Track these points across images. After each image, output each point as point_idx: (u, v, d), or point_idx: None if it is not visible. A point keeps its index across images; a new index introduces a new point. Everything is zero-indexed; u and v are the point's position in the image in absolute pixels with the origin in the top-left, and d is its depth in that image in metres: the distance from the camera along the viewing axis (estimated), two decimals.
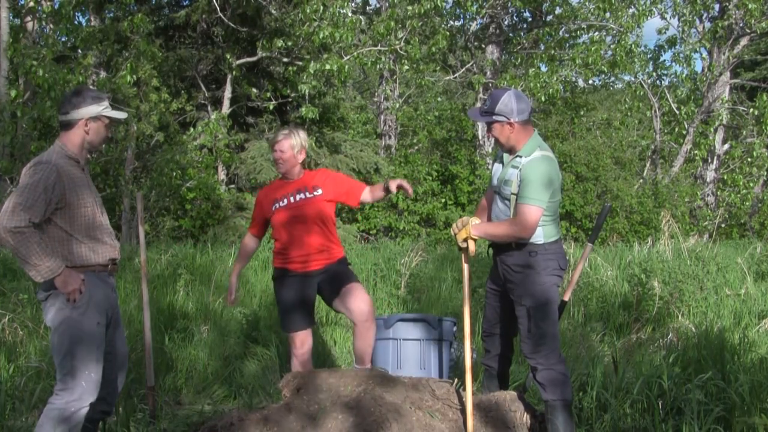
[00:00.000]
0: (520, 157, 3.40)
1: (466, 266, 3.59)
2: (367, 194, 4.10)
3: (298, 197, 4.02)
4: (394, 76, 13.19)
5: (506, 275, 3.47)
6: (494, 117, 3.39)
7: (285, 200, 4.03)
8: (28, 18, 10.37)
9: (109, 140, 3.47)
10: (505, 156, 3.52)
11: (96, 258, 3.14)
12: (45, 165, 3.03)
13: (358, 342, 3.94)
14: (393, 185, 3.92)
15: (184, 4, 15.18)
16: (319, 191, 4.03)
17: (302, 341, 4.01)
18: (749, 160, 15.71)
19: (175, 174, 10.82)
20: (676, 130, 16.68)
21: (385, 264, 7.86)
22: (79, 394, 3.04)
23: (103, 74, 11.33)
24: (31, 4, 10.04)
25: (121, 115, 3.31)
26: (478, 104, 3.46)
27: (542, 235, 3.39)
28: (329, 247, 4.02)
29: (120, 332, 3.37)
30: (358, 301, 3.89)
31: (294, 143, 4.02)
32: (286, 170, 4.07)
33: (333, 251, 4.04)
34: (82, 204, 3.11)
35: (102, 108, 3.20)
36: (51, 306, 3.07)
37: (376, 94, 14.11)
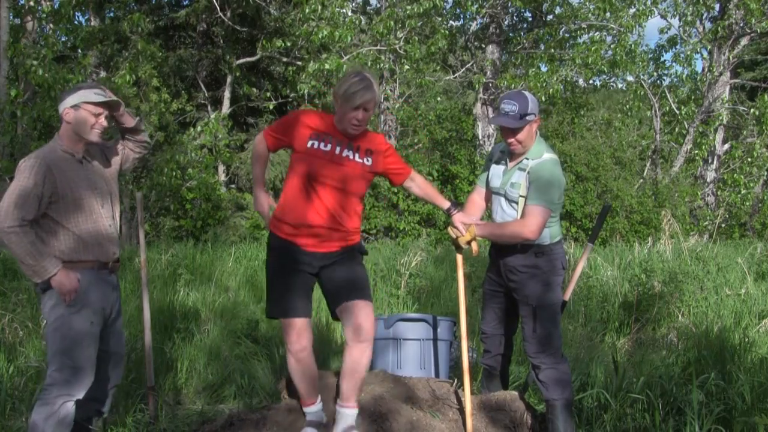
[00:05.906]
0: (527, 159, 3.39)
1: (461, 267, 3.59)
2: (413, 185, 3.43)
3: (344, 153, 3.17)
4: (394, 76, 13.16)
5: (511, 276, 3.47)
6: (527, 117, 3.33)
7: (329, 146, 3.14)
8: (28, 18, 10.37)
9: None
10: (508, 158, 3.50)
11: (93, 254, 3.12)
12: (34, 161, 3.01)
13: (347, 367, 3.13)
14: (458, 224, 3.48)
15: (184, 4, 15.20)
16: (370, 161, 3.21)
17: (300, 332, 3.16)
18: (749, 160, 15.69)
19: (175, 174, 10.82)
20: (677, 130, 16.68)
21: (385, 264, 7.85)
22: (67, 389, 3.04)
23: (103, 74, 11.33)
24: (31, 3, 10.04)
25: (96, 97, 3.10)
26: (504, 110, 3.33)
27: (549, 236, 3.41)
28: (348, 225, 3.18)
29: (117, 331, 3.34)
30: (363, 316, 3.11)
31: (379, 95, 3.09)
32: (360, 132, 3.18)
33: (351, 232, 3.21)
34: (77, 197, 3.07)
35: (80, 96, 3.09)
36: (48, 300, 3.07)
37: None
